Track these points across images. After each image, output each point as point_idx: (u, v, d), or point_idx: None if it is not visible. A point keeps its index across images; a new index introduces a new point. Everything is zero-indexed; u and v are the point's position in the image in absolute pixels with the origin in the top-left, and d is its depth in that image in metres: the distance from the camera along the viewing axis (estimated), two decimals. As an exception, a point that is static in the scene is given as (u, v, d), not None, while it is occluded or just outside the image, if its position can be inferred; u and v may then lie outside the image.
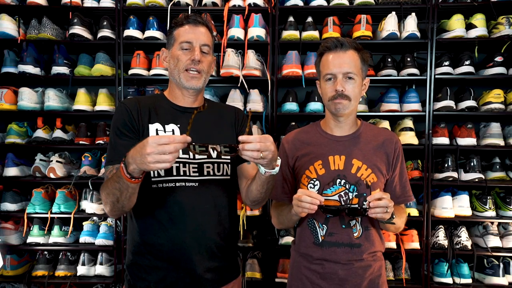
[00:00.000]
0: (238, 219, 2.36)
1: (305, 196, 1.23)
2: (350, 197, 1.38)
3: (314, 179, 1.42)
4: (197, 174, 1.33)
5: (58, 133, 2.54)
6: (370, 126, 1.52)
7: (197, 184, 1.33)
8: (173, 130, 1.34)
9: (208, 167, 1.35)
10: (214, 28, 2.50)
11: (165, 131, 1.34)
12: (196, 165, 1.34)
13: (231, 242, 1.44)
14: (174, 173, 1.31)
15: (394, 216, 1.29)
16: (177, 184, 1.30)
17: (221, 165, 1.38)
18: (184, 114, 1.39)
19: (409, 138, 2.43)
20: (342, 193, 1.39)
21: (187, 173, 1.32)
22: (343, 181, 1.40)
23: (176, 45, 1.35)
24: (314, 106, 2.47)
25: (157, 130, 1.33)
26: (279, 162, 1.20)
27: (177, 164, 1.31)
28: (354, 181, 1.38)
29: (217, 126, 1.42)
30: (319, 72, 1.44)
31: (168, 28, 1.40)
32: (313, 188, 1.41)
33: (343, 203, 1.39)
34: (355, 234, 1.39)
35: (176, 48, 1.35)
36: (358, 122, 1.50)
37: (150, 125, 1.33)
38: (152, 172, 1.29)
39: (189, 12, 2.37)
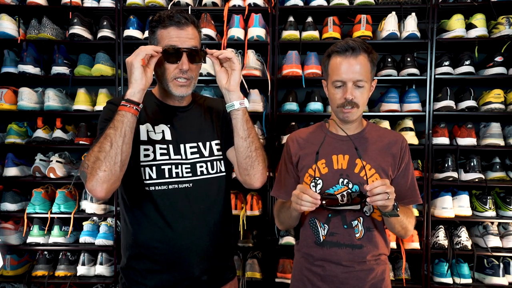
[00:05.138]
0: (233, 218, 2.37)
1: (305, 195, 1.22)
2: (352, 197, 1.38)
3: (317, 178, 1.41)
4: (190, 174, 1.32)
5: (58, 133, 2.54)
6: (376, 126, 1.51)
7: (191, 184, 1.31)
8: (163, 131, 1.33)
9: (201, 166, 1.34)
10: (214, 27, 2.50)
11: (155, 132, 1.32)
12: (189, 165, 1.32)
13: (227, 242, 1.42)
14: (167, 175, 1.29)
15: (398, 209, 1.26)
16: (170, 187, 1.29)
17: (215, 162, 1.37)
18: (174, 113, 1.37)
19: (409, 138, 2.43)
20: (344, 193, 1.38)
21: (180, 175, 1.30)
22: (345, 180, 1.39)
23: None
24: (314, 106, 2.47)
25: (147, 131, 1.31)
26: (246, 100, 1.28)
27: (169, 166, 1.29)
28: (357, 180, 1.38)
29: (206, 120, 1.41)
30: (326, 73, 1.42)
31: (150, 25, 1.31)
32: (316, 187, 1.41)
33: (345, 202, 1.38)
34: (356, 235, 1.38)
35: None
36: (364, 123, 1.49)
37: (140, 126, 1.30)
38: (143, 175, 1.27)
39: (189, 12, 2.36)
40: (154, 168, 1.28)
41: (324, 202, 1.23)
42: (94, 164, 1.12)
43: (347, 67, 1.33)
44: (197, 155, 1.34)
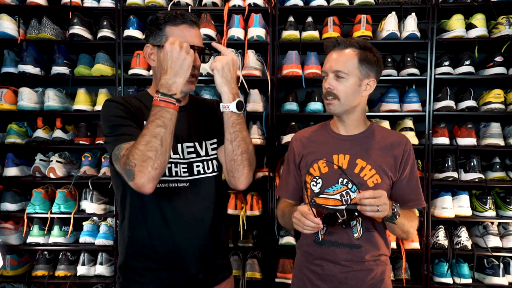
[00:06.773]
0: (233, 218, 2.40)
1: (307, 221, 1.26)
2: (351, 197, 1.38)
3: (317, 177, 1.42)
4: (187, 174, 1.32)
5: (58, 133, 2.54)
6: (379, 127, 1.51)
7: (188, 184, 1.32)
8: None
9: (197, 166, 1.35)
10: (214, 27, 2.50)
11: None
12: (186, 165, 1.33)
13: (222, 240, 1.43)
14: (167, 173, 1.29)
15: (397, 217, 1.27)
16: (171, 185, 1.29)
17: (210, 162, 1.38)
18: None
19: (409, 138, 2.40)
20: (343, 193, 1.39)
21: (178, 174, 1.31)
22: (345, 180, 1.39)
23: None
24: (314, 106, 2.47)
25: None
26: (232, 104, 1.26)
27: (169, 165, 1.29)
28: (356, 181, 1.37)
29: (202, 119, 1.42)
30: None
31: (155, 22, 1.30)
32: (316, 186, 1.41)
33: (344, 202, 1.38)
34: (355, 235, 1.38)
35: None
36: (367, 123, 1.49)
37: (145, 122, 1.28)
38: None
39: (189, 11, 2.36)
40: None
41: (325, 223, 1.28)
42: (144, 162, 1.11)
43: (330, 58, 1.39)
44: (194, 155, 1.35)
